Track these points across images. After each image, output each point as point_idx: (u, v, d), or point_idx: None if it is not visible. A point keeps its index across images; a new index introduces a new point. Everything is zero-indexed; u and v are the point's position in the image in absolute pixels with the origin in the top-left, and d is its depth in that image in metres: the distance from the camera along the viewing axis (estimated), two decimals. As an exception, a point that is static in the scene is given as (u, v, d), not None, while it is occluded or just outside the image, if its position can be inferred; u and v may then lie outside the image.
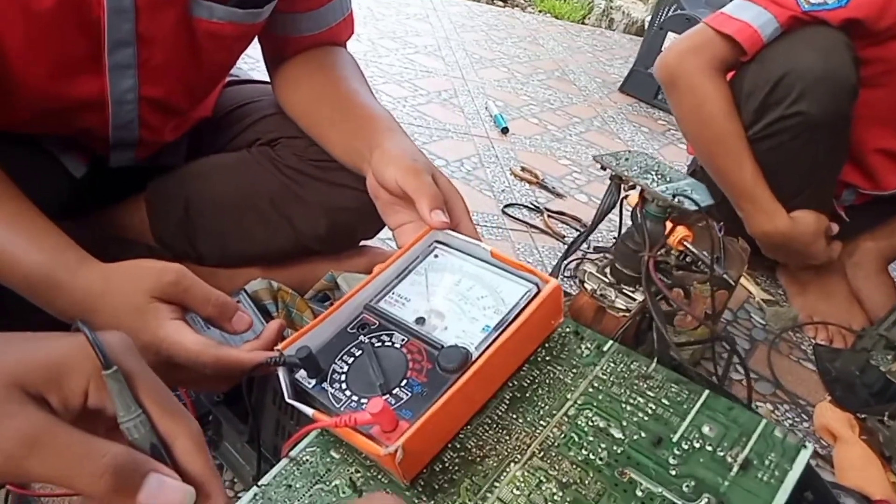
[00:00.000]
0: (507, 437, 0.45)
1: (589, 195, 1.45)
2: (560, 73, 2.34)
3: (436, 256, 0.55)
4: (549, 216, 1.29)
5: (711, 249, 0.67)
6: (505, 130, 1.66)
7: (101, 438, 0.29)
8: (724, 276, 0.70)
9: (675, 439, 0.43)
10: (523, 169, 1.46)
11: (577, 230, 1.28)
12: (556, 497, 0.41)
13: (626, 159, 0.57)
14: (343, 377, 0.47)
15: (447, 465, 0.44)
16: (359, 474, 0.44)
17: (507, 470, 0.43)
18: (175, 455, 0.32)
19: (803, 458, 0.40)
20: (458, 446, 0.45)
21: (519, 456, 0.44)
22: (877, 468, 0.78)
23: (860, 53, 0.97)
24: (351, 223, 0.82)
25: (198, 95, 0.79)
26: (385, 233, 0.97)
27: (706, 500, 0.39)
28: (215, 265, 0.81)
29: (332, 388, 0.46)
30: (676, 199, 0.50)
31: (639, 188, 0.54)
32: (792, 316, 1.09)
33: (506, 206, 1.30)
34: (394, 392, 0.45)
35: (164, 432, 0.32)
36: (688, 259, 0.60)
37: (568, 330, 0.51)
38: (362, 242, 0.91)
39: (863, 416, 0.85)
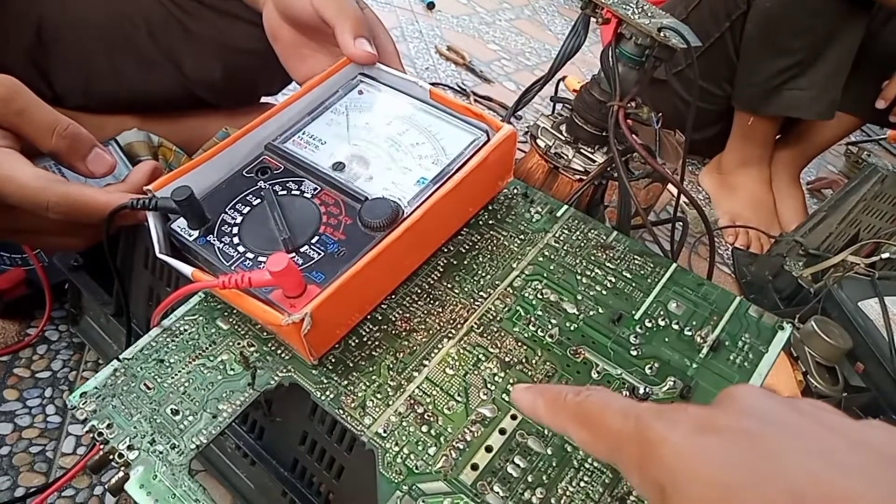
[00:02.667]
0: (440, 310, 0.37)
1: (518, 83, 1.35)
2: (491, -44, 2.15)
3: (360, 93, 0.44)
4: (475, 100, 1.19)
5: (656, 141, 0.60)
6: (430, 6, 1.51)
7: None
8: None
9: (637, 317, 0.36)
10: (449, 48, 1.34)
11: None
12: (497, 378, 0.34)
13: (602, -12, 0.47)
14: (235, 230, 0.37)
15: (365, 339, 0.35)
16: (252, 348, 0.35)
17: (439, 346, 0.35)
18: None
19: (780, 339, 0.35)
20: (380, 318, 0.36)
21: (454, 331, 0.36)
22: (785, 367, 0.79)
23: None
24: (251, 69, 0.68)
25: None
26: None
27: (671, 383, 0.33)
28: (77, 108, 0.65)
29: (221, 242, 0.36)
30: (663, 34, 0.41)
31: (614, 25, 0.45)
32: (712, 220, 1.08)
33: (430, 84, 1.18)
34: (302, 250, 0.35)
35: None
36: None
37: (516, 191, 0.43)
38: (264, 99, 0.77)
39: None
